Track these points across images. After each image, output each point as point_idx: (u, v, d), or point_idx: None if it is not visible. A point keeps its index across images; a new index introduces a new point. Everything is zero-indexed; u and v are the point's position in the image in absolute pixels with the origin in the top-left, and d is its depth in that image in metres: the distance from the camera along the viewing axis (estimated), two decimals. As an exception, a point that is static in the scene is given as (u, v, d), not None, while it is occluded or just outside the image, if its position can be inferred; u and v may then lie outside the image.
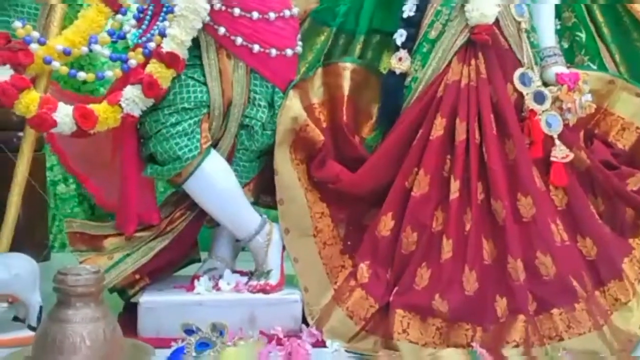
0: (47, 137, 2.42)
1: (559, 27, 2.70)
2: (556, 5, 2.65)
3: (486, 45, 2.41)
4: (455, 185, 2.36)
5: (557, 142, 2.44)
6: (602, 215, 2.47)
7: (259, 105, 2.42)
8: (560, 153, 2.42)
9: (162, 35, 2.31)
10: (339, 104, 2.50)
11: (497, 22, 2.44)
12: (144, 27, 2.38)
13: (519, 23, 2.49)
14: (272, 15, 2.39)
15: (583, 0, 2.67)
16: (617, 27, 2.70)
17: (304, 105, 2.46)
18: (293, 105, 2.43)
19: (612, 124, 2.58)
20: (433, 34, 2.47)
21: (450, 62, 2.44)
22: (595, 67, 2.67)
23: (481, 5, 2.38)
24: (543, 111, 2.45)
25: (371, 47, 2.68)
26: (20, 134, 2.49)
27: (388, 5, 2.63)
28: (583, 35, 2.69)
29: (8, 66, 2.19)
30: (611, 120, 2.58)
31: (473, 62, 2.42)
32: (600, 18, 2.69)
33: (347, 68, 2.53)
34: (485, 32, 2.39)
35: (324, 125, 2.52)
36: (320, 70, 2.53)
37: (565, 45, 2.72)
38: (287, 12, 2.45)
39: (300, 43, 2.52)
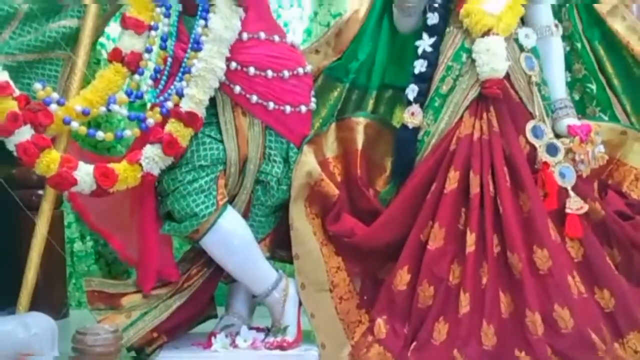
0: (69, 196, 2.45)
1: (569, 79, 2.73)
2: (566, 58, 2.68)
3: (497, 99, 2.44)
4: (471, 239, 2.37)
5: (572, 193, 2.45)
6: (618, 266, 2.47)
7: (275, 161, 2.45)
8: (574, 205, 2.43)
9: (180, 95, 2.34)
10: (353, 158, 2.53)
11: (507, 76, 2.47)
12: (161, 86, 2.42)
13: (530, 76, 2.52)
14: (286, 73, 2.43)
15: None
16: (628, 79, 2.73)
17: (318, 160, 2.49)
18: (308, 161, 2.46)
19: (625, 175, 2.59)
20: (444, 89, 2.51)
21: (462, 116, 2.47)
22: (606, 119, 2.69)
23: (491, 61, 2.41)
24: (556, 163, 2.46)
25: (384, 102, 2.72)
26: (40, 192, 2.52)
27: (399, 61, 2.68)
28: (594, 87, 2.72)
29: (29, 127, 2.21)
30: (624, 171, 2.59)
31: (485, 115, 2.45)
32: (610, 69, 2.72)
33: (360, 123, 2.56)
34: (496, 86, 2.42)
35: (339, 179, 2.54)
36: (334, 125, 2.56)
37: (577, 97, 2.74)
38: (300, 70, 2.49)
39: (314, 99, 2.56)
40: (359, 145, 2.54)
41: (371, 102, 2.71)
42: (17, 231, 2.87)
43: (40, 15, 2.50)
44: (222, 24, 2.33)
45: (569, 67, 2.73)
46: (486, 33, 2.45)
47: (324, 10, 3.35)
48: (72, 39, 2.49)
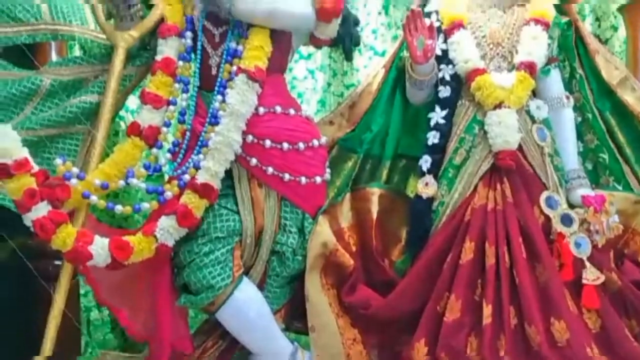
0: (82, 269, 2.46)
1: (581, 148, 2.75)
2: (577, 128, 2.71)
3: (511, 170, 2.46)
4: (487, 310, 2.36)
5: (587, 264, 2.44)
6: (637, 337, 2.44)
7: (290, 232, 2.46)
8: (591, 275, 2.43)
9: (197, 167, 2.38)
10: (368, 228, 2.55)
11: (520, 147, 2.50)
12: (179, 160, 2.45)
13: (542, 147, 2.54)
14: (301, 145, 2.47)
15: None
16: (638, 148, 2.73)
17: (333, 230, 2.51)
18: (323, 231, 2.48)
19: (640, 245, 2.58)
20: (458, 160, 2.53)
21: (476, 187, 2.49)
22: (620, 188, 2.69)
23: (504, 133, 2.44)
24: (571, 234, 2.46)
25: (397, 172, 2.76)
26: (57, 262, 2.53)
27: (412, 131, 2.72)
28: (606, 157, 2.73)
29: (46, 202, 2.24)
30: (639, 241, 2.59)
31: (499, 186, 2.47)
32: (622, 139, 2.75)
33: (374, 193, 2.59)
34: (510, 158, 2.44)
35: (354, 249, 2.56)
36: (348, 195, 2.59)
37: (590, 167, 2.76)
38: (315, 142, 2.52)
39: (328, 170, 2.59)
40: (374, 215, 2.56)
41: (385, 171, 2.74)
42: (33, 300, 2.88)
43: (62, 91, 2.54)
44: (239, 99, 2.38)
45: (581, 137, 2.75)
46: (498, 106, 2.48)
47: (337, 82, 3.40)
48: (92, 113, 2.54)
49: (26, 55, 2.65)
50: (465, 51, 2.56)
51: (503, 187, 2.47)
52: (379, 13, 3.43)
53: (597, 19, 3.43)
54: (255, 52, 2.40)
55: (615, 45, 3.43)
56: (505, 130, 2.45)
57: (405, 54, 2.69)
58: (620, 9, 3.29)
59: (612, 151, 2.73)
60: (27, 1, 2.64)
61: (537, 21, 2.59)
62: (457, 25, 2.60)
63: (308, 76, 3.40)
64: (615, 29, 3.42)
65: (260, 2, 2.41)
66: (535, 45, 2.55)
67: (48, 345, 2.36)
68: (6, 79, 2.58)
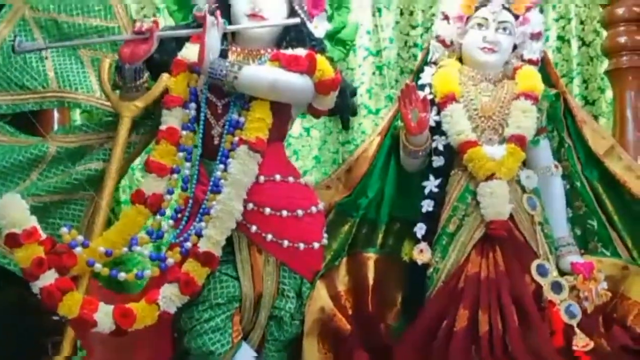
0: (79, 334, 2.50)
1: (570, 214, 2.85)
2: (566, 195, 2.82)
3: (502, 239, 2.54)
4: (481, 377, 2.43)
5: (577, 331, 2.52)
6: (626, 402, 2.51)
7: (288, 297, 2.53)
8: (581, 342, 2.50)
9: (199, 235, 2.45)
10: (364, 292, 2.64)
11: (511, 216, 2.59)
12: (181, 227, 2.52)
13: (532, 216, 2.63)
14: (300, 212, 2.55)
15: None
16: (627, 215, 2.85)
17: (330, 294, 2.60)
18: (320, 296, 2.56)
19: (629, 309, 2.68)
20: (451, 228, 2.62)
21: (469, 255, 2.57)
22: (608, 254, 2.80)
23: (495, 204, 2.54)
24: (561, 301, 2.54)
25: (392, 234, 2.85)
26: (54, 317, 2.57)
27: (406, 196, 2.82)
28: (595, 223, 2.84)
29: (53, 270, 2.30)
30: (628, 305, 2.68)
31: (491, 255, 2.56)
32: (610, 207, 2.85)
33: (370, 258, 2.69)
34: (501, 228, 2.53)
35: (350, 312, 2.63)
36: (345, 259, 2.68)
37: (579, 232, 2.86)
38: (314, 209, 2.60)
39: (325, 235, 2.66)
40: (370, 281, 2.65)
41: (380, 235, 2.83)
42: (32, 355, 2.92)
43: (67, 158, 2.62)
44: (241, 169, 2.45)
45: (570, 204, 2.86)
46: (489, 177, 2.58)
47: (332, 139, 3.48)
48: (96, 180, 2.62)
49: (29, 120, 2.71)
50: (457, 124, 2.66)
51: (495, 255, 2.55)
52: (373, 73, 3.55)
53: (585, 81, 3.57)
54: (257, 124, 2.49)
55: (602, 106, 3.59)
56: (496, 201, 2.54)
57: (399, 123, 2.79)
58: (607, 72, 3.42)
59: (600, 218, 2.83)
60: (36, 69, 2.71)
61: (526, 96, 2.70)
62: (450, 99, 2.70)
63: (304, 134, 3.48)
64: (602, 90, 3.58)
65: (262, 77, 2.50)
66: (525, 119, 2.66)
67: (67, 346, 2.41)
68: (13, 145, 2.64)
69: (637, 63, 3.38)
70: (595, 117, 3.55)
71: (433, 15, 3.54)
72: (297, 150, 3.51)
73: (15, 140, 2.68)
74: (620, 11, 3.41)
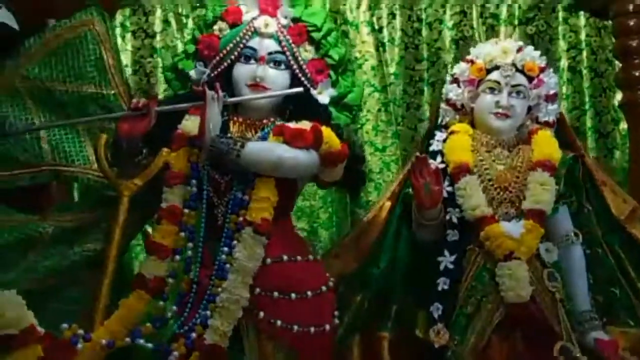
0: None
1: (591, 281, 2.74)
2: (587, 260, 2.70)
3: (523, 322, 2.43)
4: None
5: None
6: None
7: None
8: None
9: (204, 325, 2.34)
10: None
11: (532, 296, 2.46)
12: (185, 313, 2.41)
13: (553, 294, 2.51)
14: (309, 293, 2.45)
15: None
16: None
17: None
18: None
19: (655, 382, 2.57)
20: (469, 309, 2.53)
21: (489, 339, 2.45)
22: (632, 323, 2.70)
23: (515, 286, 2.43)
24: (587, 383, 2.43)
25: (406, 307, 2.75)
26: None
27: (421, 265, 2.72)
28: (617, 291, 2.74)
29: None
30: None
31: (512, 339, 2.44)
32: (632, 273, 2.75)
33: (385, 338, 2.61)
34: (522, 312, 2.42)
35: None
36: (358, 338, 2.58)
37: (600, 299, 2.75)
38: (323, 288, 2.50)
39: (336, 313, 2.55)
40: (386, 360, 2.53)
41: (394, 308, 2.74)
42: None
43: (65, 238, 2.57)
44: (246, 255, 2.35)
45: (591, 270, 2.74)
46: (508, 256, 2.46)
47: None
48: (96, 261, 2.53)
49: (25, 195, 2.61)
50: (472, 198, 2.55)
51: (516, 339, 2.46)
52: (379, 110, 3.46)
53: (598, 114, 3.47)
54: (262, 203, 2.38)
55: (617, 138, 3.50)
56: (516, 283, 2.44)
57: (411, 191, 2.65)
58: (621, 106, 3.33)
59: (623, 286, 2.73)
60: (29, 142, 2.60)
61: (543, 166, 2.59)
62: (464, 170, 2.59)
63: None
64: (616, 122, 3.48)
65: (265, 155, 2.39)
66: (543, 192, 2.54)
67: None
68: (9, 225, 2.53)
69: None
70: (610, 150, 3.50)
71: (439, 49, 3.49)
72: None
73: (10, 219, 2.57)
74: (633, 44, 3.31)
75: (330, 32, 2.65)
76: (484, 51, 2.70)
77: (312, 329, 2.44)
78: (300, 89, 2.52)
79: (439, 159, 2.68)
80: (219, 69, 2.60)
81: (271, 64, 2.57)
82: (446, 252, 2.57)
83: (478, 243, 2.56)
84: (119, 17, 3.40)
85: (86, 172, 2.64)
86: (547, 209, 2.55)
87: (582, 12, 3.54)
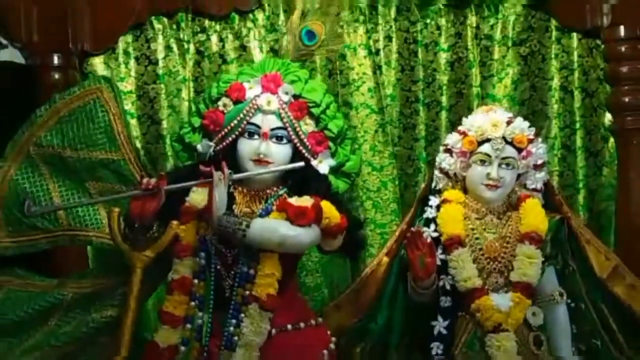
0: None
1: (575, 331, 2.93)
2: (572, 311, 2.91)
3: None
4: None
5: None
6: None
7: None
8: None
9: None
10: None
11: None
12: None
13: (538, 356, 2.72)
14: (302, 325, 2.66)
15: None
16: (631, 335, 2.98)
17: None
18: None
19: None
20: None
21: None
22: (614, 377, 2.90)
23: (502, 356, 2.63)
24: None
25: (404, 351, 2.93)
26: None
27: (416, 322, 2.89)
28: (599, 343, 2.94)
29: None
30: None
31: None
32: (614, 327, 2.95)
33: None
34: None
35: None
36: None
37: (583, 348, 2.96)
38: (325, 352, 2.70)
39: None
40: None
41: (392, 358, 2.93)
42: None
43: (83, 304, 2.74)
44: (253, 329, 2.54)
45: (575, 322, 2.94)
46: (496, 328, 2.66)
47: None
48: (113, 326, 2.69)
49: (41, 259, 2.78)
50: (464, 270, 2.72)
51: None
52: (376, 131, 3.57)
53: (588, 133, 3.60)
54: (267, 279, 2.55)
55: (606, 156, 3.62)
56: (504, 354, 2.63)
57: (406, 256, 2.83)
58: (611, 130, 3.49)
59: (604, 338, 2.93)
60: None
61: (531, 239, 2.75)
62: (456, 242, 2.75)
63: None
64: (605, 140, 3.60)
65: (269, 236, 2.55)
66: (530, 266, 2.72)
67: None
68: (29, 292, 2.71)
69: None
70: (599, 168, 3.63)
71: (435, 70, 3.59)
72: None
73: (30, 284, 2.73)
74: (624, 69, 3.44)
75: (328, 106, 2.76)
76: (475, 124, 2.82)
77: None
78: (302, 164, 2.66)
79: (432, 226, 2.82)
80: (224, 144, 2.70)
81: (274, 139, 2.70)
82: (439, 318, 2.76)
83: (469, 311, 2.73)
84: (121, 44, 3.50)
85: (100, 236, 2.77)
86: (534, 281, 2.73)
87: (574, 33, 3.62)
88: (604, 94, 3.56)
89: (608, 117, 3.55)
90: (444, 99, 3.57)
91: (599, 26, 3.50)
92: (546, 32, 3.62)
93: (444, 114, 3.59)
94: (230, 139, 2.72)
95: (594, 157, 3.65)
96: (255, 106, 2.72)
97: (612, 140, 3.59)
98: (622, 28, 3.46)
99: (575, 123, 3.64)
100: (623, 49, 3.46)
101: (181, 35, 3.51)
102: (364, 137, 3.56)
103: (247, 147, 2.69)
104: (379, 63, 3.58)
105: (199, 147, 2.77)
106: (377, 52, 3.58)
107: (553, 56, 3.63)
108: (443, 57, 3.60)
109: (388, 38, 3.59)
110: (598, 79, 3.60)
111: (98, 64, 3.45)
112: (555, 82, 3.64)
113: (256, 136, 2.70)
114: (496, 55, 3.62)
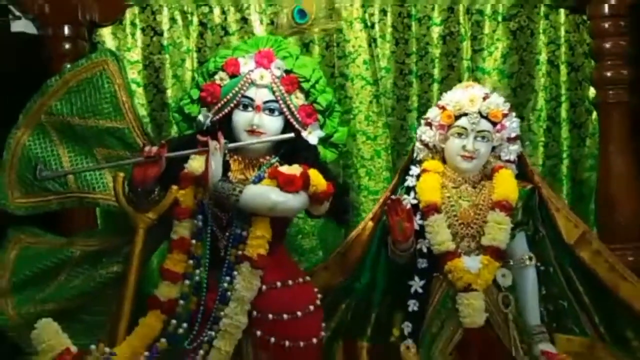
0: None
1: (544, 292, 3.16)
2: (541, 275, 3.13)
3: (479, 341, 2.89)
4: None
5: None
6: None
7: None
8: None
9: (210, 343, 2.79)
10: None
11: (487, 319, 2.91)
12: (194, 331, 2.85)
13: (506, 314, 2.94)
14: (299, 313, 2.87)
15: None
16: (595, 297, 3.19)
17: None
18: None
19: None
20: (434, 330, 2.96)
21: (450, 353, 2.91)
22: (578, 331, 3.15)
23: (472, 314, 2.87)
24: (533, 387, 2.90)
25: (384, 313, 3.19)
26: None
27: (396, 280, 3.13)
28: (565, 304, 3.17)
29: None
30: None
31: (469, 356, 2.90)
32: (580, 289, 3.17)
33: (363, 347, 3.07)
34: (477, 334, 2.89)
35: None
36: (341, 345, 3.10)
37: (551, 309, 3.19)
38: (311, 307, 2.92)
39: (323, 325, 2.99)
40: (365, 367, 3.01)
41: (373, 315, 3.19)
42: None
43: (90, 260, 2.98)
44: (245, 286, 2.77)
45: (544, 284, 3.17)
46: (467, 287, 2.89)
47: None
48: (117, 281, 2.94)
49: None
50: (439, 235, 2.95)
51: (473, 355, 2.90)
52: (370, 102, 3.77)
53: (573, 105, 3.80)
54: (258, 241, 2.78)
55: (590, 127, 3.84)
56: (472, 312, 2.87)
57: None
58: (594, 104, 3.69)
59: (571, 300, 3.16)
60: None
61: (501, 207, 2.96)
62: (432, 209, 2.98)
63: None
64: (589, 112, 3.81)
65: (260, 201, 2.77)
66: (499, 232, 2.94)
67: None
68: (42, 248, 2.96)
69: (622, 98, 3.61)
70: (582, 140, 3.84)
71: (427, 43, 3.78)
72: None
73: (43, 241, 2.98)
74: (607, 45, 3.61)
75: (318, 81, 2.96)
76: (454, 99, 3.02)
77: (302, 343, 2.89)
78: (292, 135, 2.88)
79: (412, 194, 3.04)
80: (220, 115, 2.92)
81: (266, 112, 2.91)
82: (416, 278, 3.00)
83: (443, 272, 2.96)
84: (129, 16, 3.69)
85: (106, 198, 3.01)
86: (503, 246, 2.95)
87: (562, 10, 3.80)
88: (589, 69, 3.74)
89: (592, 91, 3.74)
90: (436, 72, 3.76)
91: (585, 3, 3.66)
92: (535, 8, 3.79)
93: (435, 86, 3.77)
94: (226, 110, 2.93)
95: (578, 129, 3.84)
96: (250, 80, 2.92)
97: (595, 113, 3.77)
98: (606, 6, 3.62)
99: (561, 96, 3.83)
100: (607, 25, 3.61)
101: (185, 8, 3.69)
102: (359, 108, 3.76)
103: (241, 118, 2.90)
104: (374, 36, 3.75)
105: (197, 117, 2.97)
106: (373, 25, 3.75)
107: (541, 31, 3.80)
108: (436, 31, 3.77)
109: (383, 12, 3.76)
110: (584, 54, 3.78)
111: (106, 34, 3.66)
112: (543, 56, 3.81)
113: (250, 108, 2.91)
114: (486, 30, 3.79)
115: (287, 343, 2.86)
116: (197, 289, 2.89)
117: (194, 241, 2.87)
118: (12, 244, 2.99)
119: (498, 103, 3.01)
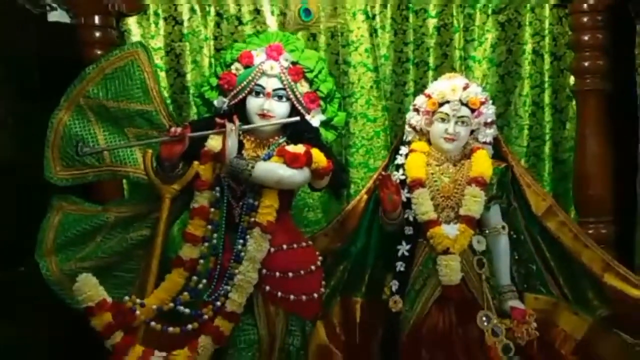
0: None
1: (516, 257, 3.59)
2: (513, 243, 3.55)
3: (455, 298, 3.34)
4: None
5: (512, 361, 3.32)
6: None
7: (295, 335, 3.33)
8: (515, 368, 3.29)
9: (225, 296, 3.25)
10: (352, 330, 3.49)
11: (462, 278, 3.35)
12: (212, 286, 3.28)
13: (480, 275, 3.40)
14: (302, 272, 3.30)
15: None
16: (560, 262, 3.60)
17: (327, 331, 3.43)
18: (319, 334, 3.40)
19: (556, 335, 3.49)
20: (417, 287, 3.38)
21: (430, 309, 3.37)
22: (544, 291, 3.57)
23: (449, 274, 3.31)
24: (499, 342, 3.33)
25: (376, 274, 3.61)
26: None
27: (387, 246, 3.57)
28: (534, 267, 3.58)
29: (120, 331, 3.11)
30: (556, 332, 3.49)
31: (447, 309, 3.35)
32: (547, 254, 3.60)
33: (357, 302, 3.50)
34: (453, 292, 3.33)
35: (343, 339, 3.51)
36: (339, 301, 3.52)
37: (523, 272, 3.60)
38: (312, 267, 3.35)
39: (323, 283, 3.44)
40: (357, 319, 3.48)
41: (367, 276, 3.62)
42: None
43: (123, 225, 3.39)
44: (256, 248, 3.22)
45: (516, 250, 3.59)
46: (445, 251, 3.34)
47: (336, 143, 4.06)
48: (146, 244, 3.37)
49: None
50: (422, 206, 3.38)
51: (450, 309, 3.34)
52: (371, 87, 4.10)
53: (555, 92, 4.13)
54: (267, 209, 3.23)
55: (570, 112, 4.15)
56: (450, 271, 3.31)
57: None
58: (573, 91, 4.00)
59: (539, 264, 3.58)
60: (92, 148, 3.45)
61: (477, 182, 3.39)
62: (418, 184, 3.42)
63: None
64: (570, 98, 4.12)
65: (269, 176, 3.21)
66: (474, 204, 3.37)
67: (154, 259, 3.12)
68: (80, 214, 3.42)
69: (598, 86, 3.91)
70: (563, 123, 4.17)
71: (423, 34, 4.11)
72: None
73: (82, 208, 3.43)
74: (585, 37, 3.94)
75: (320, 72, 3.40)
76: (438, 88, 3.46)
77: (304, 297, 3.33)
78: (297, 118, 3.32)
79: (400, 171, 3.50)
80: (235, 100, 3.37)
81: (275, 98, 3.33)
82: (403, 242, 3.44)
83: (426, 238, 3.42)
84: (152, 6, 4.01)
85: (136, 172, 3.45)
86: (477, 216, 3.39)
87: (547, 4, 4.11)
88: (570, 59, 4.06)
89: (572, 79, 4.06)
90: (431, 60, 4.03)
91: (568, -2, 3.95)
92: (522, 2, 4.10)
93: (430, 73, 4.09)
94: (240, 96, 3.36)
95: (559, 113, 4.17)
96: (261, 70, 3.34)
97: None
98: (586, 2, 3.93)
99: (545, 83, 4.14)
100: (585, 19, 3.93)
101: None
102: (360, 92, 4.10)
103: (254, 103, 3.34)
104: (375, 27, 4.06)
105: (215, 102, 3.43)
106: (374, 16, 4.04)
107: (527, 23, 4.09)
108: (431, 22, 4.00)
109: (383, 4, 4.05)
110: (566, 45, 4.08)
111: (132, 23, 3.99)
112: (529, 47, 4.11)
113: (261, 95, 3.30)
114: (477, 22, 4.06)
115: (291, 297, 3.30)
116: (215, 250, 3.31)
117: (212, 209, 3.29)
118: (55, 210, 3.32)
119: (477, 92, 3.44)
